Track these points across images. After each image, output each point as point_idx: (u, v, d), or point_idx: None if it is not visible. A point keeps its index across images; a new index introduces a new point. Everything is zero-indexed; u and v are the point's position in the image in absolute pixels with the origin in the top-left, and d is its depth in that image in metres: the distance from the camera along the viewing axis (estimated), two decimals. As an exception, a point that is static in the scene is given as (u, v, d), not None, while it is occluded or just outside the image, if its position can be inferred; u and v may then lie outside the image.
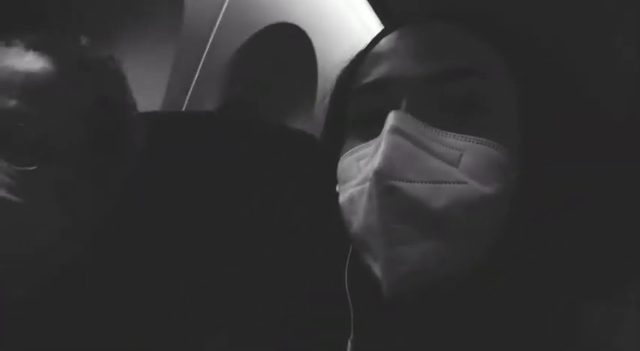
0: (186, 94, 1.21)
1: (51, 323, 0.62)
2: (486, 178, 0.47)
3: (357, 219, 0.49)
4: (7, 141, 0.57)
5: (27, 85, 0.59)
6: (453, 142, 0.48)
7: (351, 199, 0.50)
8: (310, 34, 1.45)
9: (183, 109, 1.21)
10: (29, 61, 0.61)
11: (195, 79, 1.22)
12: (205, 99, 1.28)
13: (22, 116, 0.58)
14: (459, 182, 0.46)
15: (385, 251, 0.46)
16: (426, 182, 0.46)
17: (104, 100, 0.66)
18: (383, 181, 0.46)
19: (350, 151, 0.53)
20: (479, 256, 0.48)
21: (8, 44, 0.63)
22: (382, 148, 0.47)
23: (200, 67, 1.22)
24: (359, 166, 0.50)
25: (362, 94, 0.54)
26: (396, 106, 0.49)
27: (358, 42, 0.60)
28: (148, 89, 1.15)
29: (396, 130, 0.47)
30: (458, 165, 0.47)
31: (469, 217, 0.46)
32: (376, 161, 0.46)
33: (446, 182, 0.46)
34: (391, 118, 0.48)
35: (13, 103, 0.57)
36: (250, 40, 1.31)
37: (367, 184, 0.47)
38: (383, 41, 0.56)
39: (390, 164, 0.46)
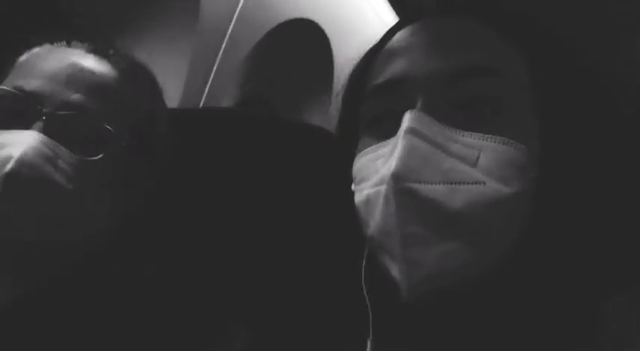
0: (204, 90, 1.22)
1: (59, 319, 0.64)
2: (505, 178, 0.46)
3: (374, 221, 0.48)
4: (71, 131, 0.60)
5: (91, 83, 0.63)
6: (471, 141, 0.47)
7: (367, 200, 0.49)
8: (327, 30, 1.44)
9: (201, 105, 1.21)
10: (91, 63, 0.65)
11: (212, 75, 1.22)
12: (223, 95, 1.28)
13: (85, 109, 0.61)
14: (477, 182, 0.46)
15: (403, 254, 0.46)
16: (443, 183, 0.45)
17: (149, 104, 0.71)
18: (400, 183, 0.45)
19: (365, 150, 0.52)
20: (498, 256, 0.47)
21: (69, 45, 0.68)
22: (398, 149, 0.46)
23: (217, 63, 1.22)
24: (375, 167, 0.50)
25: (376, 93, 0.53)
26: (411, 106, 0.49)
27: (375, 36, 0.59)
28: (165, 86, 1.16)
29: (412, 131, 0.46)
30: (476, 165, 0.46)
31: (488, 217, 0.46)
32: (393, 163, 0.46)
33: (464, 182, 0.46)
34: (407, 119, 0.47)
35: (77, 96, 0.61)
36: (267, 36, 1.31)
37: (384, 187, 0.46)
38: (397, 37, 0.55)
39: (407, 166, 0.46)
